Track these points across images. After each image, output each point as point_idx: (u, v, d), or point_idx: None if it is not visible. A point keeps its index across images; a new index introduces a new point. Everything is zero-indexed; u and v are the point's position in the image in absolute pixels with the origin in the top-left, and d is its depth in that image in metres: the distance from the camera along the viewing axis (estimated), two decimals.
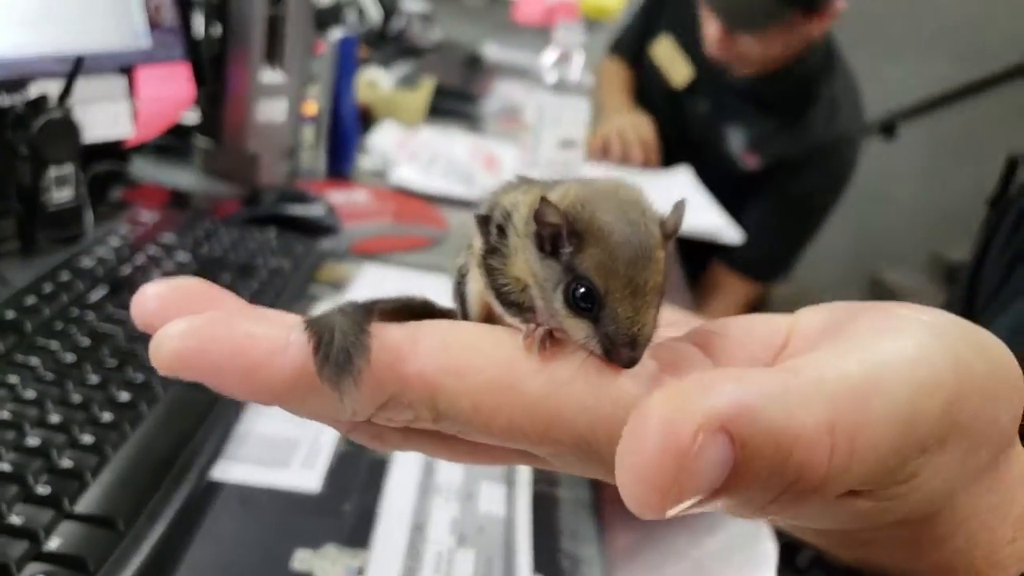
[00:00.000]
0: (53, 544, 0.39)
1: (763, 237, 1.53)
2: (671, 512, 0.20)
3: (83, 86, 0.75)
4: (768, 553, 0.47)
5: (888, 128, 2.04)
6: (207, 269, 0.70)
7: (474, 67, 2.28)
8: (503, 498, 0.52)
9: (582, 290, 0.25)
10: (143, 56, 0.88)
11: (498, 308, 0.27)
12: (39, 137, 0.70)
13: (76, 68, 0.73)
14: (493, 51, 2.36)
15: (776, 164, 1.63)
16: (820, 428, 0.20)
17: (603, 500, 0.53)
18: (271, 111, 1.01)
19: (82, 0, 0.81)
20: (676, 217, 0.27)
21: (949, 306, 0.74)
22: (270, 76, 1.00)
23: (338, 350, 0.22)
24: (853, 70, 1.67)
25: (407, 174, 1.14)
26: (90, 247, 0.69)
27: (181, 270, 0.69)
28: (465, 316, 0.29)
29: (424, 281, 0.83)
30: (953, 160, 1.81)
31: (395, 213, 1.02)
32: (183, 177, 1.02)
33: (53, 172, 0.72)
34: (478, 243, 0.28)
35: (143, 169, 1.00)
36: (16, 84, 0.73)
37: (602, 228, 0.25)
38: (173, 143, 1.05)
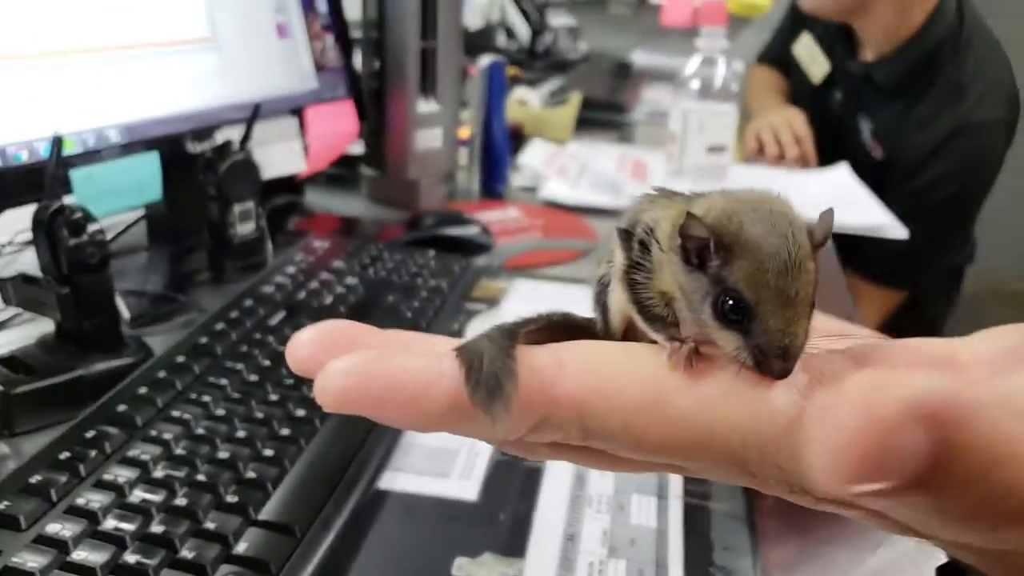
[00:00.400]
0: (241, 548, 0.44)
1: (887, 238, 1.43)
2: (859, 488, 0.19)
3: (260, 129, 0.83)
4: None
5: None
6: (373, 290, 0.76)
7: (622, 76, 2.28)
8: (654, 510, 0.52)
9: (731, 302, 0.25)
10: (312, 96, 0.95)
11: (641, 323, 0.27)
12: (225, 178, 0.79)
13: (255, 114, 0.81)
14: (640, 58, 2.35)
15: (898, 155, 1.52)
16: None
17: (758, 513, 0.53)
18: (428, 139, 1.07)
19: (258, 51, 0.89)
20: (825, 225, 0.27)
21: None
22: (425, 106, 1.05)
23: (487, 376, 0.24)
24: (1000, 40, 1.53)
25: (556, 189, 1.16)
26: (270, 275, 0.76)
27: (350, 292, 0.75)
28: (607, 327, 0.29)
29: (573, 292, 0.85)
30: None
31: (544, 228, 1.04)
32: (352, 205, 1.10)
33: (237, 208, 0.80)
34: (620, 257, 0.28)
35: (315, 199, 1.08)
36: (204, 133, 0.81)
37: (750, 240, 0.25)
38: (342, 173, 1.13)
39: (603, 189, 1.16)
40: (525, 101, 1.50)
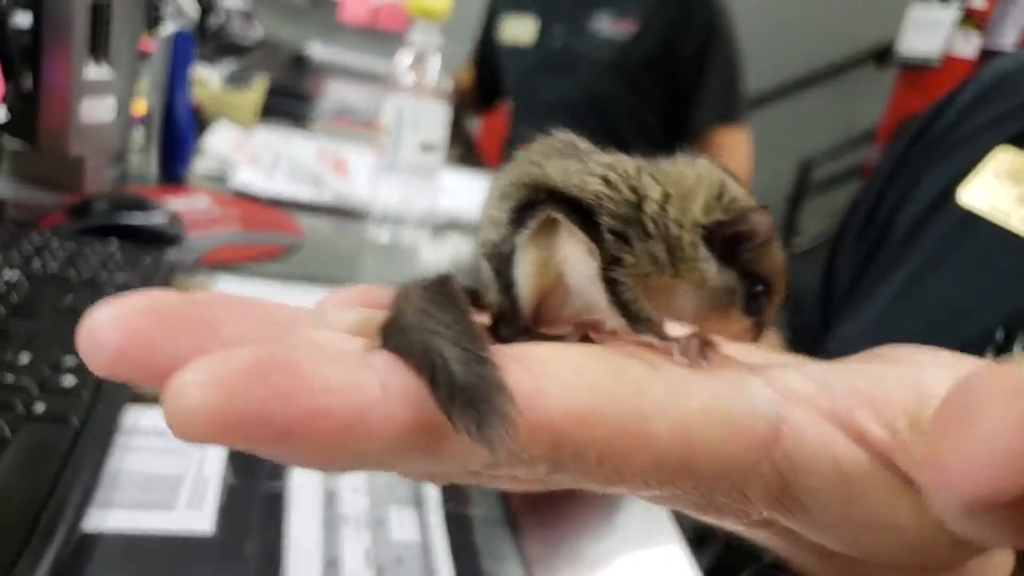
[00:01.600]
0: None
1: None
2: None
3: None
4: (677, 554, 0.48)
5: None
6: (42, 288, 0.62)
7: (300, 67, 2.20)
8: (415, 523, 0.49)
9: (764, 289, 0.25)
10: None
11: (623, 326, 0.25)
12: None
13: None
14: (319, 51, 2.28)
15: (659, 9, 1.58)
16: None
17: (516, 515, 0.52)
18: (97, 110, 0.91)
19: None
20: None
21: (796, 306, 0.79)
22: (95, 72, 0.90)
23: (465, 391, 0.17)
24: None
25: (249, 177, 1.07)
26: None
27: (11, 290, 0.60)
28: (512, 305, 0.25)
29: (288, 292, 0.78)
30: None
31: (243, 220, 0.95)
32: None
33: None
34: (581, 250, 0.24)
35: None
36: None
37: (765, 225, 0.25)
38: None
39: (303, 181, 1.09)
40: (204, 81, 1.36)
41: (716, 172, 0.26)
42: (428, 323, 0.19)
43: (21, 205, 0.85)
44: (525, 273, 0.25)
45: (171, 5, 1.83)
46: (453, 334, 0.19)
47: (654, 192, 0.25)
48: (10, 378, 0.48)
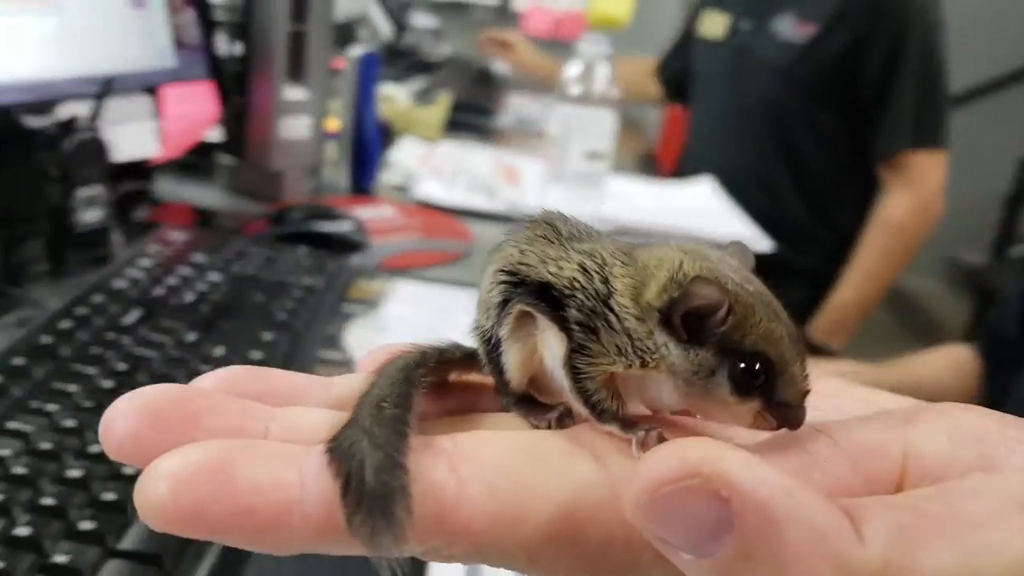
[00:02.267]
0: None
1: None
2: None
3: (110, 106, 0.74)
4: None
5: None
6: (239, 288, 0.69)
7: (486, 82, 2.28)
8: None
9: (756, 366, 0.23)
10: (169, 75, 0.87)
11: (592, 420, 0.24)
12: (69, 158, 0.70)
13: (106, 89, 0.72)
14: (502, 66, 2.36)
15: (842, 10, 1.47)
16: None
17: None
18: (294, 128, 1.00)
19: (107, 20, 0.80)
20: (749, 259, 0.26)
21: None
22: (293, 93, 0.99)
23: (371, 496, 0.19)
24: None
25: (431, 188, 1.13)
26: (121, 268, 0.68)
27: (213, 290, 0.68)
28: (504, 386, 0.26)
29: (455, 295, 0.82)
30: (963, 161, 1.78)
31: (422, 228, 1.00)
32: (207, 196, 1.01)
33: (82, 193, 0.71)
34: (555, 339, 0.25)
35: (166, 188, 0.98)
36: (43, 106, 0.72)
37: (741, 295, 0.23)
38: (195, 162, 1.04)
39: (478, 191, 1.14)
40: (392, 98, 1.45)
41: (678, 251, 0.25)
42: (367, 421, 0.21)
43: (230, 214, 0.95)
44: (512, 362, 0.26)
45: (366, 27, 1.96)
46: (383, 435, 0.21)
47: (621, 284, 0.24)
48: (206, 370, 0.54)
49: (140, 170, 0.92)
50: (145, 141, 0.83)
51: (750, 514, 0.18)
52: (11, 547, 0.38)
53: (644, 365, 0.23)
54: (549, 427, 0.25)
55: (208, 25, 0.92)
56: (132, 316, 0.61)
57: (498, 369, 0.26)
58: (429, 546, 0.20)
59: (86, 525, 0.41)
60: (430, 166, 1.20)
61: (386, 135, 1.29)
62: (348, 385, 0.25)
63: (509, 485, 0.20)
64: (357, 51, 1.09)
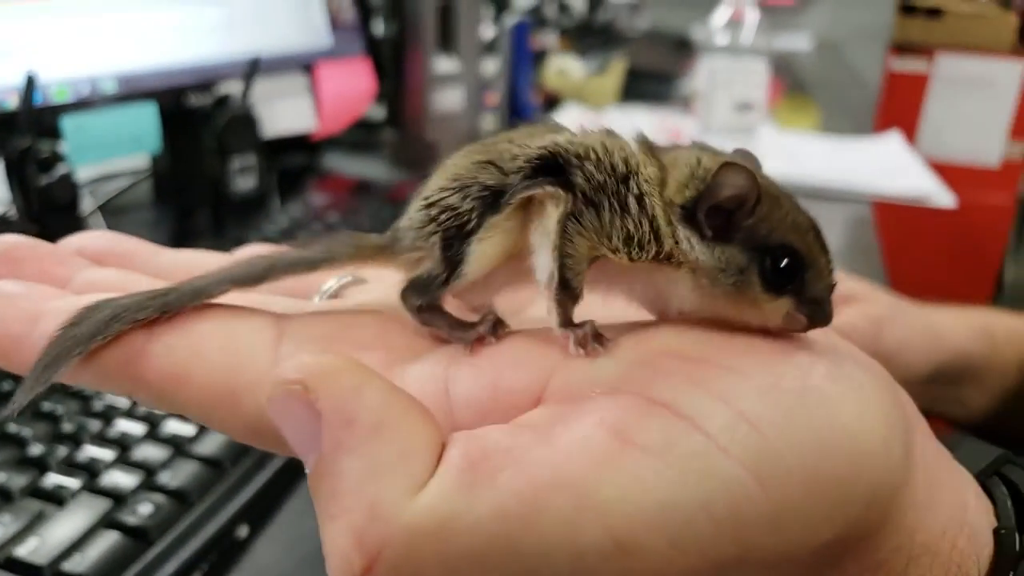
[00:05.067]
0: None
1: None
2: None
3: (268, 84, 0.82)
4: None
5: None
6: None
7: (682, 51, 2.22)
8: None
9: (787, 261, 0.22)
10: (325, 53, 0.94)
11: (550, 301, 0.23)
12: (223, 131, 0.78)
13: (254, 67, 0.80)
14: (700, 32, 2.28)
15: None
16: None
17: None
18: (447, 100, 1.04)
19: (265, 6, 0.88)
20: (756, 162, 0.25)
21: None
22: (445, 65, 1.03)
23: (65, 343, 0.22)
24: None
25: None
26: (263, 229, 0.75)
27: None
28: (447, 276, 0.24)
29: None
30: None
31: None
32: (370, 168, 1.08)
33: (237, 163, 0.80)
34: (552, 207, 0.23)
35: (334, 163, 1.07)
36: (205, 86, 0.81)
37: (770, 187, 0.22)
38: (365, 138, 1.12)
39: None
40: (565, 71, 1.46)
41: (694, 150, 0.23)
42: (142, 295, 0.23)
43: (384, 183, 1.01)
44: (483, 253, 0.24)
45: (554, 4, 1.98)
46: (132, 302, 0.23)
47: (649, 171, 0.23)
48: None
49: (306, 145, 1.00)
50: (302, 116, 0.91)
51: (328, 431, 0.18)
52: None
53: (659, 257, 0.22)
54: (475, 343, 0.23)
55: (364, 4, 0.99)
56: None
57: (453, 258, 0.24)
58: (121, 387, 0.23)
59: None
60: None
61: (551, 105, 1.30)
62: (173, 260, 0.27)
63: (187, 345, 0.23)
64: (510, 21, 1.10)
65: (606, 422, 0.19)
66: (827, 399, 0.20)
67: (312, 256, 0.25)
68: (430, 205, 0.24)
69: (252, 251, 0.28)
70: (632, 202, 0.22)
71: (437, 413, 0.20)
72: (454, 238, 0.24)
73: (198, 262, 0.27)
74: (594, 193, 0.23)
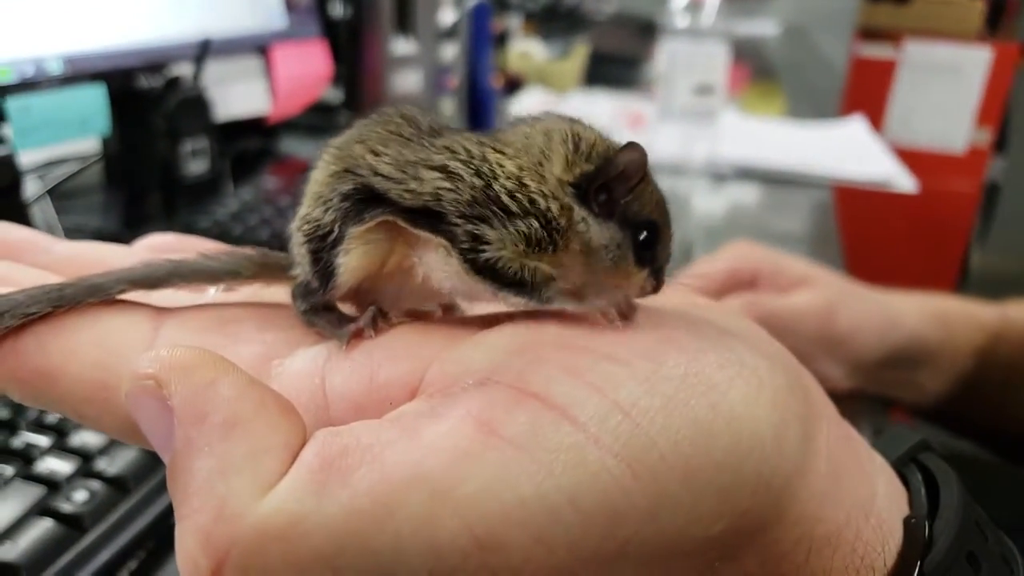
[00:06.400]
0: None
1: None
2: None
3: (220, 67, 0.81)
4: None
5: None
6: None
7: (648, 35, 2.22)
8: None
9: (645, 235, 0.23)
10: (279, 35, 0.93)
11: (520, 304, 0.23)
12: (173, 113, 0.76)
13: (204, 49, 0.78)
14: (667, 16, 2.28)
15: None
16: None
17: None
18: (406, 83, 1.03)
19: None
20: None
21: None
22: (403, 47, 1.02)
23: None
24: None
25: None
26: (214, 213, 0.74)
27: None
28: (322, 285, 0.24)
29: None
30: None
31: None
32: None
33: (188, 146, 0.78)
34: (429, 251, 0.23)
35: (292, 147, 1.05)
36: (155, 68, 0.79)
37: (641, 161, 0.23)
38: (321, 122, 1.10)
39: None
40: (528, 54, 1.46)
41: (563, 123, 0.23)
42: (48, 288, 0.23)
43: None
44: (350, 265, 0.24)
45: None
46: (36, 295, 0.23)
47: (504, 169, 0.22)
48: None
49: (262, 129, 0.99)
50: (255, 98, 0.89)
51: (180, 428, 0.18)
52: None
53: (557, 247, 0.22)
54: (352, 337, 0.23)
55: None
56: None
57: (324, 269, 0.24)
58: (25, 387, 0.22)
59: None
60: None
61: (513, 88, 1.30)
62: (68, 252, 0.27)
63: (56, 341, 0.22)
64: (469, 2, 1.09)
65: (472, 414, 0.19)
66: (712, 386, 0.19)
67: (216, 267, 0.25)
68: (300, 219, 0.25)
69: (152, 242, 0.27)
70: (512, 204, 0.22)
71: (313, 408, 0.20)
72: (320, 250, 0.24)
73: (96, 255, 0.27)
74: (472, 214, 0.22)
